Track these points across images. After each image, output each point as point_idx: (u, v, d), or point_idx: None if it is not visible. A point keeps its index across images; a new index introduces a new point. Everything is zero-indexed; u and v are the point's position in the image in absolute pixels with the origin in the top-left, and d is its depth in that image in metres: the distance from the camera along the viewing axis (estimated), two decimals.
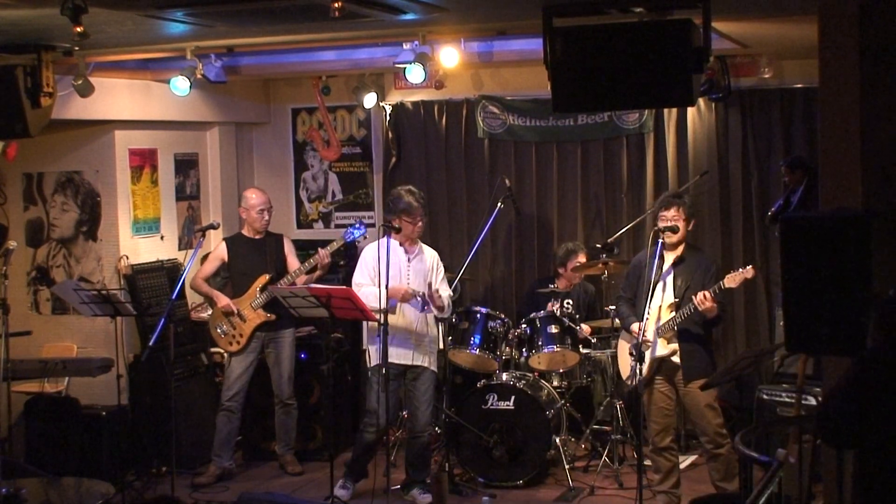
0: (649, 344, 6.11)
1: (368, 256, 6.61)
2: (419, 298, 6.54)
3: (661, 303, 6.11)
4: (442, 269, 6.83)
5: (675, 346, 6.09)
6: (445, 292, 6.72)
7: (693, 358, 6.07)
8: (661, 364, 6.14)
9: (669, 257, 6.17)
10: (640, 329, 6.08)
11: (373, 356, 6.66)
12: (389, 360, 6.45)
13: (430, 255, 6.80)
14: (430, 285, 6.58)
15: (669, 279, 6.14)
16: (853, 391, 3.36)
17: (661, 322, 6.07)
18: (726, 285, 5.89)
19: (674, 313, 6.04)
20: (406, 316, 6.60)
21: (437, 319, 6.80)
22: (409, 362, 6.62)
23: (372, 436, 6.67)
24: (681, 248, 6.18)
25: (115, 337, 6.85)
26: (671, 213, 6.13)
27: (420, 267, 6.68)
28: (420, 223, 6.68)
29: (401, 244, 6.67)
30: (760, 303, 7.76)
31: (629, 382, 6.30)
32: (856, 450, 3.54)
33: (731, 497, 5.97)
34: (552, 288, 7.54)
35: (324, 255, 7.00)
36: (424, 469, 6.79)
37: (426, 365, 6.66)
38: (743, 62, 7.61)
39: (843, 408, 3.34)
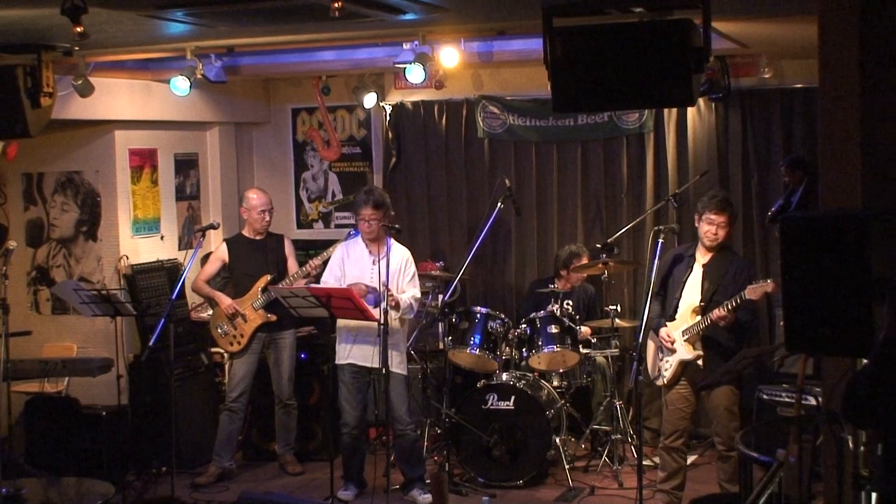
0: (672, 347, 6.10)
1: (336, 257, 6.67)
2: (371, 295, 6.43)
3: (686, 305, 6.09)
4: (411, 270, 6.66)
5: (700, 351, 6.06)
6: (409, 293, 6.57)
7: (718, 364, 5.99)
8: (685, 367, 6.12)
9: (701, 258, 6.14)
10: (667, 334, 6.09)
11: (336, 354, 6.66)
12: (351, 360, 6.54)
13: (398, 257, 6.59)
14: (384, 284, 6.34)
15: (698, 281, 6.10)
16: (875, 373, 3.39)
17: (686, 326, 6.06)
18: (747, 296, 5.85)
19: (699, 317, 6.01)
20: None
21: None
22: (370, 363, 6.54)
23: (347, 438, 6.66)
24: (716, 251, 6.12)
25: (115, 337, 6.86)
26: (722, 218, 6.04)
27: (385, 269, 6.44)
28: (367, 223, 6.50)
29: (366, 245, 6.63)
30: (760, 303, 7.74)
31: (658, 383, 6.30)
32: (880, 429, 3.58)
33: (731, 497, 5.96)
34: (552, 288, 7.54)
35: (314, 264, 7.02)
36: (418, 465, 6.75)
37: (390, 368, 6.44)
38: (743, 62, 7.61)
39: (865, 389, 3.38)
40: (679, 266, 6.19)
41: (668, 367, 6.13)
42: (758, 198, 7.73)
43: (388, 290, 6.33)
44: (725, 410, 6.09)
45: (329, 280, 6.64)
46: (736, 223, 6.24)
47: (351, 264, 6.63)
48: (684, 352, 6.07)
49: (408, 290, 6.61)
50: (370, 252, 6.63)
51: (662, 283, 6.25)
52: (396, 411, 6.61)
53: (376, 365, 6.49)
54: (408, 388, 6.79)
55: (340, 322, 6.57)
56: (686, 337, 6.05)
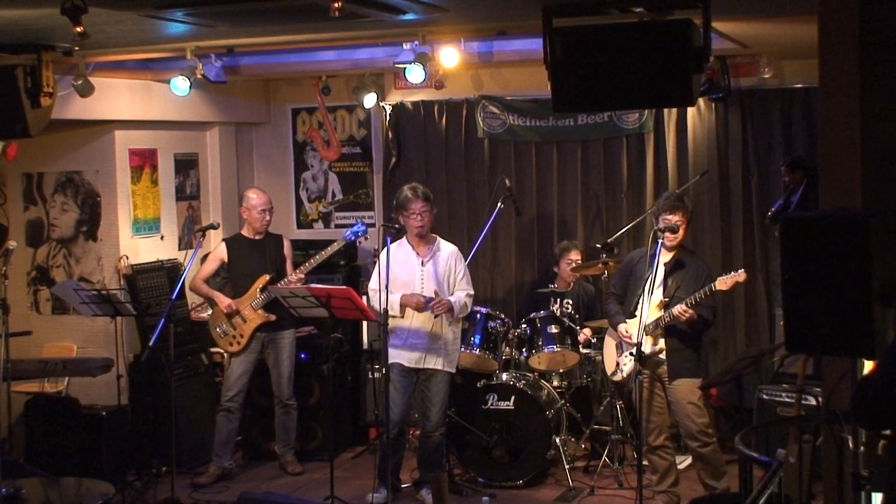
0: (631, 342, 6.14)
1: (381, 262, 6.45)
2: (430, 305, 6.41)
3: (650, 301, 6.11)
4: (461, 266, 6.59)
5: (662, 343, 6.11)
6: (463, 291, 6.52)
7: (679, 355, 6.08)
8: (646, 360, 6.15)
9: (664, 257, 6.17)
10: (626, 329, 6.17)
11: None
12: (401, 362, 6.48)
13: (447, 255, 6.56)
14: (435, 293, 6.42)
15: (660, 279, 6.15)
16: (886, 375, 3.39)
17: (649, 320, 6.08)
18: (717, 288, 5.89)
19: (662, 312, 6.06)
20: (418, 318, 6.49)
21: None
22: (420, 365, 6.53)
23: (386, 437, 6.66)
24: (677, 250, 6.20)
25: (115, 337, 6.86)
26: (676, 217, 6.11)
27: (433, 270, 6.51)
28: (419, 216, 6.45)
29: (413, 247, 6.59)
30: (760, 303, 7.76)
31: (615, 378, 6.40)
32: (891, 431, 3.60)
33: (731, 497, 5.96)
34: (552, 288, 7.54)
35: (312, 264, 7.04)
36: (435, 469, 6.72)
37: (439, 367, 6.52)
38: (743, 62, 7.61)
39: (876, 391, 3.38)
40: (640, 265, 6.23)
41: (628, 362, 6.17)
42: (758, 198, 7.73)
43: (435, 297, 6.38)
44: (689, 405, 6.10)
45: (375, 286, 6.46)
46: (692, 220, 6.27)
47: (398, 266, 6.45)
48: (647, 345, 6.11)
49: (460, 287, 6.54)
50: (417, 253, 6.56)
51: (624, 283, 6.30)
52: (432, 413, 6.59)
53: (427, 365, 6.52)
54: (451, 390, 6.72)
55: (393, 322, 6.43)
56: (648, 331, 6.09)
